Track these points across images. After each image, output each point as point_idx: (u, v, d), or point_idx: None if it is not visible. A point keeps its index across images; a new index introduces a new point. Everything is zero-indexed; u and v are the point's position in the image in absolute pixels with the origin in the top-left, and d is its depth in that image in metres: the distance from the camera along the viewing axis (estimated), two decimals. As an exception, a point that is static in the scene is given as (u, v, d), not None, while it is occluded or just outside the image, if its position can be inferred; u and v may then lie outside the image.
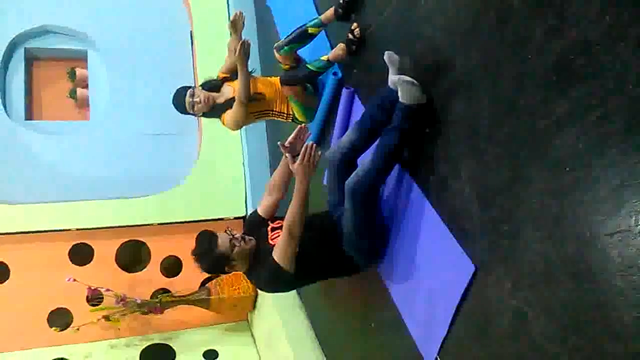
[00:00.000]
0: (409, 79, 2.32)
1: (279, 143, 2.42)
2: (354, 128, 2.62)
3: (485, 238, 2.02)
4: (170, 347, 4.94)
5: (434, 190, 2.36)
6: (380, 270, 2.80)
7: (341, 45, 3.10)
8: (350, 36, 3.02)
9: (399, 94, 2.38)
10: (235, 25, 3.21)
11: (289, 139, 2.44)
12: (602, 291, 1.53)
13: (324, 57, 3.19)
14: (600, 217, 1.54)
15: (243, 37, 3.16)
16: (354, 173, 2.49)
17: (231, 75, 3.39)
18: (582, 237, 1.60)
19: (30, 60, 5.54)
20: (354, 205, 2.49)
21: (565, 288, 1.65)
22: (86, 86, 5.58)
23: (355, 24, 3.02)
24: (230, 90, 3.33)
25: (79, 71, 5.64)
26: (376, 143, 2.52)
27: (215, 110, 3.34)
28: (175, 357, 4.88)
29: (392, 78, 2.44)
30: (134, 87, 5.35)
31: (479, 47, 2.05)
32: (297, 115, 3.49)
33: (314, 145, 2.38)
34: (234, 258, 2.56)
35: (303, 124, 2.51)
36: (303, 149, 2.35)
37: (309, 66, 3.24)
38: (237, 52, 3.02)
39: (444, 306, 2.23)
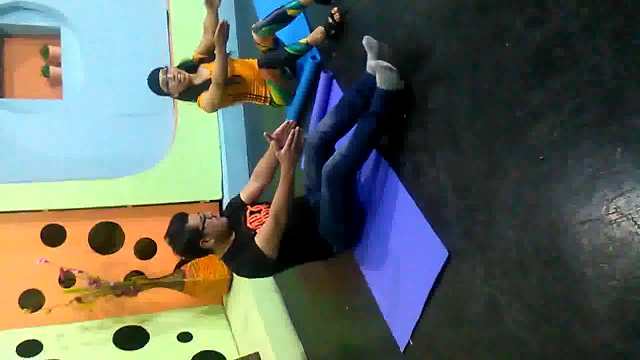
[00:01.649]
0: (387, 64, 2.32)
1: (265, 133, 2.40)
2: (332, 112, 2.61)
3: (460, 225, 2.03)
4: (144, 330, 4.93)
5: (410, 177, 2.37)
6: (356, 255, 2.81)
7: (320, 29, 3.08)
8: (330, 20, 3.00)
9: (377, 79, 2.37)
10: (212, 1, 3.15)
11: (276, 131, 2.42)
12: (573, 279, 1.56)
13: (303, 40, 3.16)
14: (573, 206, 1.56)
15: (221, 17, 3.11)
16: (331, 158, 2.49)
17: (208, 56, 3.34)
18: (555, 226, 1.62)
19: (2, 36, 5.41)
20: (331, 190, 2.49)
21: (538, 276, 1.68)
22: (59, 64, 5.46)
23: (335, 8, 3.00)
24: (207, 71, 3.29)
25: (52, 48, 5.51)
26: (354, 128, 2.51)
27: (191, 92, 3.29)
28: (148, 339, 4.86)
29: (371, 63, 2.43)
30: (108, 66, 5.25)
31: (458, 35, 2.05)
32: (274, 99, 3.46)
33: (300, 129, 2.37)
34: (207, 232, 2.54)
35: (291, 120, 2.49)
36: (290, 135, 2.35)
37: (287, 49, 3.21)
38: (215, 34, 2.97)
39: (417, 291, 2.26)
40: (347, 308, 3.07)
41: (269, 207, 2.50)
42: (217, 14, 3.16)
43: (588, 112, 1.51)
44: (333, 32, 3.02)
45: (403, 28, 2.41)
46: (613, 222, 1.44)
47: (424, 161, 2.24)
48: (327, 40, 3.09)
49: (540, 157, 1.66)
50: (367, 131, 2.44)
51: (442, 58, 2.15)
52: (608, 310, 1.46)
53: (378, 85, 2.38)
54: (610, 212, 1.45)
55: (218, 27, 2.96)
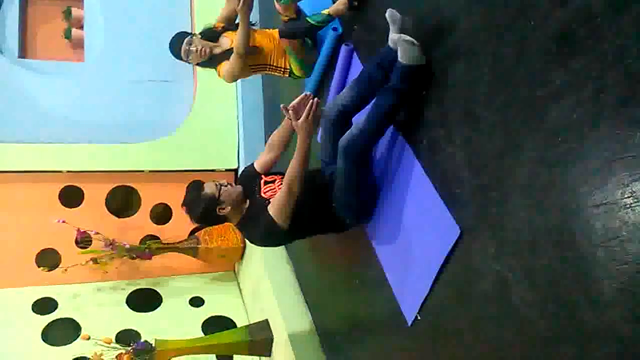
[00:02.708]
0: (409, 38, 2.30)
1: (282, 106, 2.40)
2: (351, 86, 2.60)
3: (473, 203, 2.04)
4: (157, 292, 5.01)
5: (426, 153, 2.36)
6: (368, 229, 2.83)
7: (343, 0, 3.05)
8: None
9: (399, 53, 2.35)
10: None
11: (294, 102, 2.41)
12: (584, 261, 1.56)
13: (325, 11, 3.13)
14: (589, 189, 1.56)
15: None
16: (348, 131, 2.49)
17: (229, 25, 3.33)
18: (569, 207, 1.62)
19: (25, -3, 5.43)
20: (347, 164, 2.50)
21: (548, 256, 1.68)
22: (81, 27, 5.47)
23: None
24: (228, 41, 3.28)
25: (74, 11, 5.52)
26: (372, 102, 2.51)
27: (212, 61, 3.29)
28: (161, 302, 4.95)
29: (393, 37, 2.41)
30: (130, 30, 5.25)
31: (482, 11, 2.02)
32: (294, 70, 3.44)
33: (318, 101, 2.37)
34: (223, 200, 2.57)
35: (309, 92, 2.48)
36: (308, 105, 2.35)
37: (308, 19, 3.18)
38: (240, 4, 2.95)
39: (427, 267, 2.27)
40: (356, 281, 3.10)
41: (283, 177, 2.52)
42: None
43: (609, 95, 1.49)
44: (356, 3, 2.99)
45: (427, 2, 2.38)
46: (628, 206, 1.44)
47: (441, 137, 2.24)
48: (349, 12, 3.06)
49: (558, 138, 1.65)
50: (385, 106, 2.44)
51: (464, 34, 2.13)
52: (617, 294, 1.46)
53: (399, 59, 2.36)
54: (626, 196, 1.45)
55: None
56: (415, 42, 2.29)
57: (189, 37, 3.23)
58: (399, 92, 2.41)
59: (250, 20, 3.10)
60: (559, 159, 1.65)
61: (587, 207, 1.56)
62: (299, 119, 2.38)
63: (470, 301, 2.06)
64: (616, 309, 1.46)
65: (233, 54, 3.14)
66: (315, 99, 2.40)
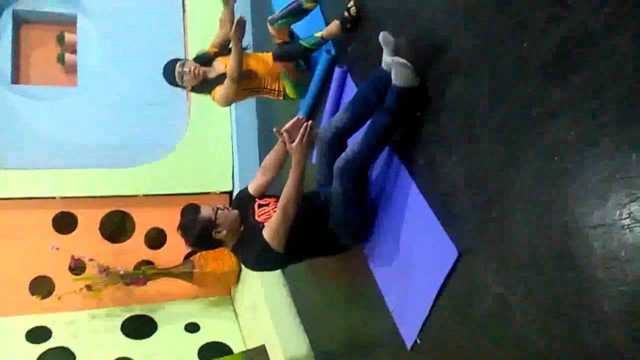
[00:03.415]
0: (403, 61, 2.30)
1: (275, 129, 2.40)
2: (346, 107, 2.60)
3: (472, 222, 2.02)
4: (152, 319, 4.95)
5: (423, 173, 2.35)
6: (365, 251, 2.81)
7: (336, 22, 3.06)
8: (346, 14, 2.98)
9: (393, 75, 2.36)
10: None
11: (286, 126, 2.42)
12: (584, 281, 1.54)
13: (318, 34, 3.15)
14: (586, 209, 1.54)
15: (237, 10, 3.13)
16: (344, 153, 2.48)
17: (222, 49, 3.35)
18: (568, 227, 1.60)
19: (19, 22, 5.43)
20: (343, 185, 2.49)
21: (548, 276, 1.66)
22: (75, 51, 5.48)
23: (352, 2, 2.98)
24: (222, 65, 3.30)
25: (68, 36, 5.53)
26: (367, 123, 2.50)
27: (206, 86, 3.31)
28: (157, 328, 4.89)
29: (386, 59, 2.41)
30: (123, 54, 5.27)
31: (477, 30, 2.03)
32: (288, 92, 3.46)
33: (311, 123, 2.37)
34: (220, 223, 2.54)
35: (301, 116, 2.49)
36: (302, 128, 2.35)
37: (302, 42, 3.20)
38: (232, 30, 2.99)
39: (425, 289, 2.25)
40: (354, 304, 3.06)
41: (278, 200, 2.50)
42: (233, 10, 3.17)
43: (606, 113, 1.49)
44: (349, 26, 3.00)
45: (420, 22, 2.39)
46: (626, 227, 1.43)
47: (438, 157, 2.23)
48: (343, 34, 3.07)
49: (555, 157, 1.65)
50: (380, 127, 2.43)
51: (459, 52, 2.13)
52: (617, 314, 1.44)
53: (393, 81, 2.36)
54: (624, 217, 1.43)
55: (235, 23, 2.97)
56: (409, 64, 2.30)
57: (182, 60, 3.26)
58: (394, 113, 2.41)
59: (243, 44, 3.12)
60: (558, 177, 1.64)
61: (585, 227, 1.55)
62: (293, 141, 2.37)
63: (470, 323, 2.03)
64: (617, 330, 1.44)
65: (227, 79, 3.16)
66: (309, 121, 2.40)
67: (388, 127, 2.44)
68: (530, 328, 1.73)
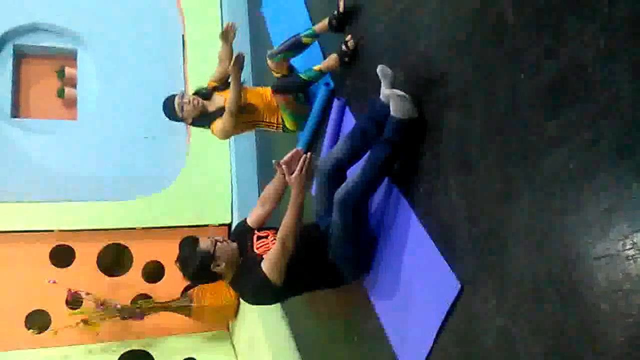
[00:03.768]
0: (401, 93, 2.32)
1: (274, 162, 2.40)
2: (345, 139, 2.61)
3: (472, 254, 2.01)
4: (149, 354, 4.88)
5: (423, 205, 2.35)
6: (366, 284, 2.78)
7: (333, 56, 3.10)
8: (344, 48, 3.01)
9: (391, 107, 2.37)
10: (227, 35, 3.22)
11: (285, 158, 2.42)
12: (588, 313, 1.53)
13: (316, 67, 3.18)
14: (589, 240, 1.54)
15: (236, 45, 3.17)
16: (343, 184, 2.48)
17: (221, 84, 3.39)
18: (570, 259, 1.59)
19: (19, 57, 5.47)
20: (343, 217, 2.48)
21: (552, 308, 1.64)
22: (75, 85, 5.52)
23: (349, 36, 3.02)
24: (221, 99, 3.33)
25: (68, 70, 5.57)
26: (366, 155, 2.51)
27: (205, 119, 3.34)
28: (154, 364, 4.82)
29: (385, 92, 2.43)
30: (123, 88, 5.30)
31: (472, 63, 2.05)
32: (287, 124, 3.48)
33: (311, 155, 2.37)
34: (218, 256, 2.51)
35: (300, 148, 2.50)
36: (301, 160, 2.35)
37: (301, 75, 3.23)
38: (231, 65, 3.03)
39: (428, 323, 2.22)
40: (355, 338, 3.02)
41: (277, 232, 2.48)
42: (231, 46, 3.21)
43: (604, 144, 1.49)
44: (347, 59, 3.03)
45: (417, 55, 2.42)
46: (630, 258, 1.42)
47: (436, 188, 2.23)
48: (341, 68, 3.10)
49: (554, 188, 1.64)
50: (379, 158, 2.44)
51: (456, 84, 2.15)
52: (622, 346, 1.43)
53: (392, 113, 2.37)
54: (627, 247, 1.42)
55: (234, 58, 3.02)
56: (406, 96, 2.31)
57: (180, 93, 3.29)
58: (392, 145, 2.42)
59: (241, 79, 3.16)
60: (557, 209, 1.64)
61: (588, 258, 1.54)
62: (292, 174, 2.37)
63: (474, 357, 2.00)
64: (623, 361, 1.42)
65: (225, 112, 3.19)
66: (308, 153, 2.40)
67: (387, 158, 2.44)
68: (535, 361, 1.71)
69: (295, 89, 3.33)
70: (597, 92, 1.52)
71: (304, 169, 2.36)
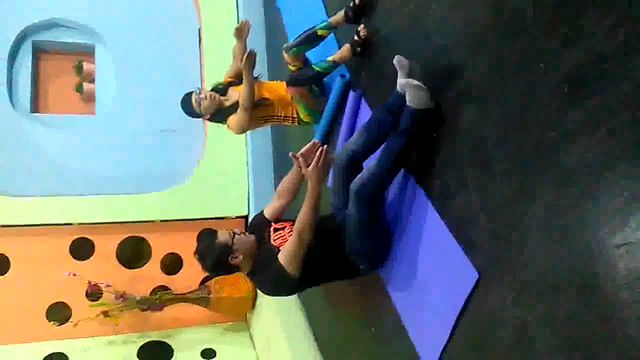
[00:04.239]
0: (417, 82, 2.32)
1: (290, 154, 2.41)
2: (361, 131, 2.61)
3: (490, 247, 2.00)
4: (168, 345, 4.92)
5: (440, 197, 2.34)
6: (383, 275, 2.78)
7: (346, 46, 3.10)
8: (356, 37, 3.01)
9: (407, 97, 2.37)
10: (241, 32, 3.24)
11: (302, 150, 2.42)
12: (608, 304, 1.52)
13: (330, 58, 3.19)
14: (608, 230, 1.53)
15: (251, 39, 3.20)
16: (359, 175, 2.48)
17: (237, 79, 3.41)
18: (589, 249, 1.58)
19: (38, 52, 5.53)
20: (359, 208, 2.48)
21: (571, 300, 1.64)
22: (92, 80, 5.57)
23: (362, 25, 3.01)
24: (236, 94, 3.35)
25: (85, 65, 5.63)
26: (383, 146, 2.50)
27: (221, 114, 3.37)
28: (172, 355, 4.86)
29: (401, 81, 2.43)
30: (140, 83, 5.34)
31: (490, 55, 2.04)
32: (302, 117, 3.49)
33: (327, 147, 2.37)
34: (236, 248, 2.54)
35: (317, 140, 2.51)
36: (317, 152, 2.35)
37: (314, 67, 3.24)
38: (242, 62, 3.06)
39: (445, 314, 2.22)
40: (372, 329, 3.03)
41: (293, 224, 2.49)
42: (245, 42, 3.23)
43: (623, 135, 1.48)
44: (359, 49, 3.03)
45: (434, 47, 2.41)
46: (650, 246, 1.41)
47: (454, 181, 2.22)
48: (354, 58, 3.10)
49: (572, 179, 1.64)
50: (396, 149, 2.44)
51: (473, 77, 2.14)
52: (645, 336, 1.41)
53: (408, 103, 2.37)
54: (647, 236, 1.42)
55: (244, 56, 3.05)
56: (423, 86, 2.31)
57: (197, 89, 3.33)
58: (409, 136, 2.42)
59: (255, 74, 3.18)
60: (576, 199, 1.63)
61: (607, 248, 1.53)
62: (308, 166, 2.37)
63: (492, 349, 2.00)
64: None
65: (239, 108, 3.21)
66: (325, 145, 2.40)
67: (403, 149, 2.44)
68: (554, 354, 1.70)
69: (308, 81, 3.34)
70: (616, 83, 1.51)
71: (320, 161, 2.36)
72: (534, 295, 1.79)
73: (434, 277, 2.36)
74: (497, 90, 1.99)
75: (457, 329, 2.19)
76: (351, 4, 3.08)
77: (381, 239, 2.67)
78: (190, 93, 3.36)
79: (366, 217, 2.51)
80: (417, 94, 2.33)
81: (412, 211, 2.52)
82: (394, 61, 2.43)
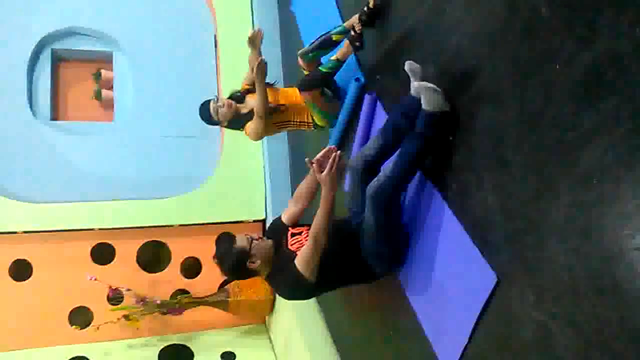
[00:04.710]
0: (431, 85, 2.32)
1: (306, 160, 2.42)
2: (377, 135, 2.62)
3: (509, 249, 2.00)
4: (188, 348, 4.97)
5: (457, 199, 2.34)
6: (401, 278, 2.79)
7: (346, 43, 3.14)
8: (352, 32, 3.08)
9: (422, 101, 2.37)
10: (254, 41, 3.26)
11: (318, 156, 2.42)
12: (628, 306, 1.51)
13: (333, 57, 3.21)
14: (628, 231, 1.52)
15: (264, 48, 3.24)
16: (375, 179, 2.48)
17: (254, 87, 3.44)
18: (609, 251, 1.57)
19: (57, 61, 5.62)
20: (375, 211, 2.49)
21: (591, 302, 1.63)
22: (111, 87, 5.65)
23: (357, 22, 3.06)
24: (253, 101, 3.38)
25: (104, 72, 5.71)
26: (399, 150, 2.51)
27: (238, 121, 3.40)
28: (193, 357, 4.91)
29: (415, 85, 2.43)
30: (158, 89, 5.41)
31: (506, 56, 2.03)
32: (317, 121, 3.50)
33: (341, 153, 2.39)
34: (254, 253, 2.55)
35: (332, 145, 2.52)
36: (331, 158, 2.36)
37: (321, 69, 3.27)
38: (254, 71, 3.09)
39: (465, 316, 2.22)
40: (390, 332, 3.03)
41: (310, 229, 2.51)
42: (259, 51, 3.26)
43: (642, 135, 1.47)
44: (357, 44, 3.08)
45: (449, 49, 2.40)
46: (671, 247, 1.40)
47: (471, 183, 2.22)
48: (354, 51, 3.14)
49: (592, 181, 1.63)
50: (411, 152, 2.44)
51: (489, 78, 2.13)
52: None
53: (423, 107, 2.38)
54: (667, 237, 1.41)
55: (255, 66, 3.06)
56: (437, 88, 2.31)
57: (214, 98, 3.37)
58: (424, 139, 2.42)
59: (270, 81, 3.21)
60: (595, 201, 1.62)
61: (627, 249, 1.52)
62: (323, 172, 2.39)
63: (512, 352, 1.99)
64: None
65: (254, 116, 3.24)
66: (338, 151, 2.41)
67: (419, 152, 2.45)
68: (574, 356, 1.70)
69: (318, 83, 3.34)
70: (633, 83, 1.50)
71: (334, 167, 2.37)
72: (554, 296, 1.78)
73: (453, 279, 2.36)
74: (514, 91, 1.98)
75: (477, 331, 2.18)
76: (365, 8, 3.09)
77: (398, 242, 2.68)
78: (209, 101, 3.39)
79: (383, 220, 2.52)
80: (432, 96, 2.33)
81: (429, 214, 2.53)
82: (405, 67, 2.43)
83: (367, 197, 2.48)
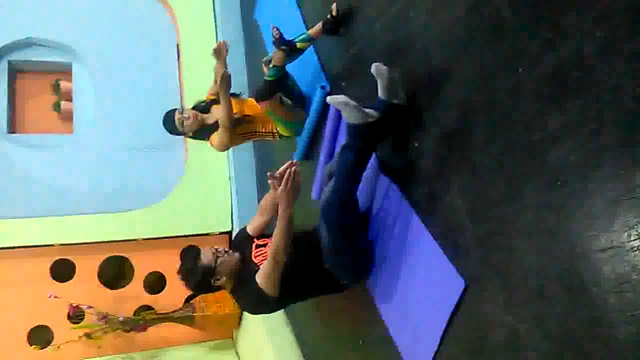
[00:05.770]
0: (345, 99, 2.34)
1: (268, 174, 2.38)
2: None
3: (477, 252, 1.99)
4: (154, 366, 4.86)
5: (424, 204, 2.33)
6: (369, 287, 2.76)
7: (280, 49, 3.13)
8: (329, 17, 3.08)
9: (343, 115, 2.41)
10: (219, 52, 3.21)
11: (279, 170, 2.39)
12: (597, 307, 1.51)
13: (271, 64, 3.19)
14: (594, 233, 1.52)
15: (229, 57, 3.21)
16: (322, 191, 2.49)
17: (219, 97, 3.39)
18: (576, 252, 1.58)
19: (14, 72, 5.46)
20: (328, 224, 2.48)
21: (559, 304, 1.63)
22: (70, 99, 5.51)
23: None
24: (219, 112, 3.33)
25: (63, 84, 5.57)
26: (338, 158, 2.50)
27: (203, 132, 3.35)
28: (158, 375, 4.79)
29: (333, 99, 2.41)
30: (119, 100, 5.29)
31: (471, 60, 2.04)
32: (280, 131, 3.47)
33: (297, 170, 2.35)
34: (219, 271, 2.51)
35: (295, 160, 2.49)
36: (285, 175, 2.33)
37: (265, 77, 3.23)
38: (218, 83, 3.07)
39: (434, 322, 2.20)
40: (361, 341, 3.00)
41: None
42: (225, 62, 3.21)
43: (607, 135, 1.48)
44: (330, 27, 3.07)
45: (415, 55, 2.41)
46: (635, 249, 1.40)
47: (438, 187, 2.21)
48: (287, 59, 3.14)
49: (558, 182, 1.63)
50: (346, 163, 2.45)
51: (455, 83, 2.14)
52: (633, 339, 1.41)
53: (344, 120, 2.40)
54: (632, 238, 1.41)
55: (220, 78, 3.04)
56: (351, 102, 2.35)
57: (179, 108, 3.32)
58: (354, 150, 2.44)
59: (236, 91, 3.17)
60: (562, 202, 1.62)
61: (594, 251, 1.52)
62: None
63: (483, 355, 1.97)
64: (635, 357, 1.40)
65: (220, 127, 3.20)
66: (294, 167, 2.37)
67: (353, 162, 2.45)
68: (545, 357, 1.69)
69: (270, 92, 3.29)
70: (598, 83, 1.51)
71: (289, 184, 2.34)
72: (523, 299, 1.77)
73: (421, 286, 2.34)
74: (481, 95, 1.99)
75: (447, 337, 2.16)
76: (328, 16, 3.08)
77: (360, 252, 2.65)
78: (173, 111, 3.33)
79: (337, 231, 2.50)
80: (351, 112, 2.36)
81: (397, 220, 2.51)
82: (372, 69, 2.42)
83: (320, 213, 2.47)
